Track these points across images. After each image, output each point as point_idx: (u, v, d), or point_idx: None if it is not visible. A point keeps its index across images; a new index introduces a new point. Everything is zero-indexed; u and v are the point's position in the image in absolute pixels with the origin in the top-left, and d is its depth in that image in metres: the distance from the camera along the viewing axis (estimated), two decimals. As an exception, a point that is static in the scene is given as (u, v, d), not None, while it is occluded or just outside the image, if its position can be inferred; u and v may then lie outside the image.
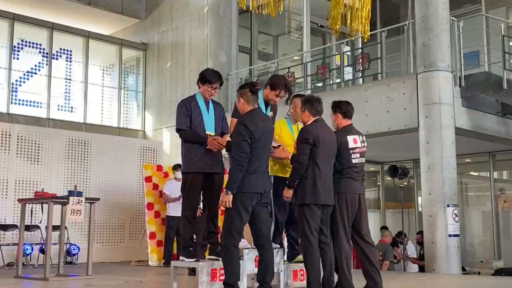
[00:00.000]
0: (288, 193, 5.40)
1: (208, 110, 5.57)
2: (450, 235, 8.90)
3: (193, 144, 5.45)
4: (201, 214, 6.09)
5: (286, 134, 5.93)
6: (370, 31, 11.79)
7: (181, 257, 5.43)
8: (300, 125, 6.09)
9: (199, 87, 5.61)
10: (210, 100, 5.64)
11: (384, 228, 12.35)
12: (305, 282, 5.90)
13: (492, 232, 12.44)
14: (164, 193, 10.34)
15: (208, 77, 5.56)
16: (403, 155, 12.64)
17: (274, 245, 5.61)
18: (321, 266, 5.28)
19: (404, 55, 10.64)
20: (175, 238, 10.04)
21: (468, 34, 10.20)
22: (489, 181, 12.79)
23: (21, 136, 11.17)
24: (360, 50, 11.60)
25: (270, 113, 5.79)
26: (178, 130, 5.57)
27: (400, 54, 10.93)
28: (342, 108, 5.75)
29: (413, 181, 13.43)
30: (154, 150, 13.19)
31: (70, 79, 13.69)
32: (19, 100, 12.83)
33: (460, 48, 9.56)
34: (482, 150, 12.24)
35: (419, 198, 12.09)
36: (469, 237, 13.04)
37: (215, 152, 5.46)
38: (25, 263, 9.45)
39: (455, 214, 8.99)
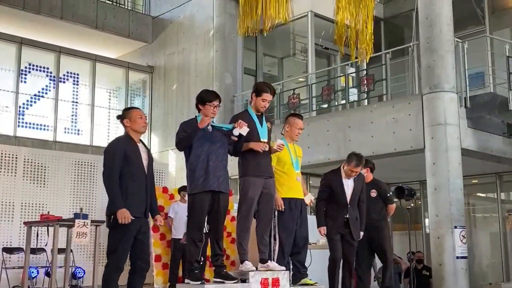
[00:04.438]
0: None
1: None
2: (458, 257, 8.84)
3: (191, 138, 5.31)
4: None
5: (284, 154, 5.90)
6: (375, 53, 11.83)
7: (186, 280, 5.38)
8: (297, 145, 6.15)
9: (199, 110, 5.58)
10: (212, 120, 5.64)
11: None
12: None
13: (500, 253, 12.31)
14: (169, 216, 10.28)
15: (207, 97, 5.53)
16: (409, 176, 12.58)
17: (279, 267, 5.58)
18: None
19: (409, 76, 10.66)
20: (180, 261, 9.97)
21: (473, 55, 10.22)
22: (496, 202, 12.69)
23: (28, 159, 11.19)
24: (365, 72, 11.63)
25: (268, 124, 5.75)
26: (176, 144, 5.53)
27: (405, 76, 10.94)
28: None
29: (420, 202, 13.35)
30: (160, 172, 13.19)
31: (77, 102, 13.78)
32: (26, 123, 12.90)
33: (465, 69, 9.57)
34: (489, 171, 12.17)
35: (426, 220, 12.00)
36: (477, 259, 12.90)
37: (220, 170, 5.44)
38: (30, 286, 9.41)
39: (462, 235, 8.92)
